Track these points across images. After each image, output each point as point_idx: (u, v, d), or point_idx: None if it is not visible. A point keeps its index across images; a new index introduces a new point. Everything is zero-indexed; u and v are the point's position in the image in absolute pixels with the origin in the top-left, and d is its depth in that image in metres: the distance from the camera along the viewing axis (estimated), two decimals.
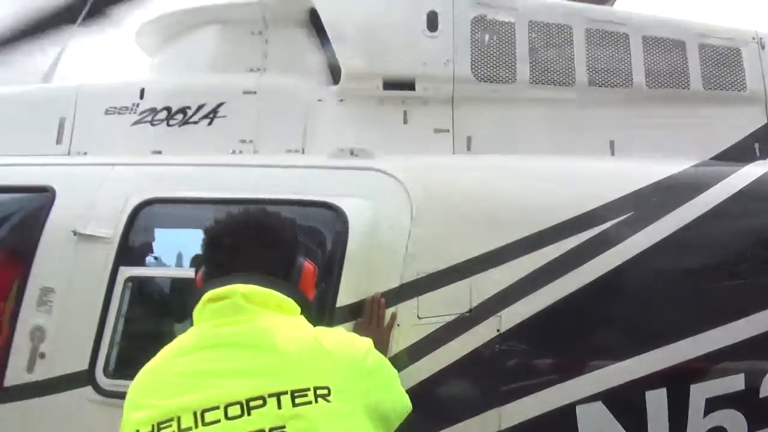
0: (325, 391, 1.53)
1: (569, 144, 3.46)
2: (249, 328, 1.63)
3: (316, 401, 1.51)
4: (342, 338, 1.75)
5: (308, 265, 1.98)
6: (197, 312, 1.74)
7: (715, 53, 3.70)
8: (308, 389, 1.52)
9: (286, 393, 1.51)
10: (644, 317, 2.99)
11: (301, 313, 1.79)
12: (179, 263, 3.09)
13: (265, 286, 1.72)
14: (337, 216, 2.96)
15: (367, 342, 1.78)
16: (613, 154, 3.51)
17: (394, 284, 2.88)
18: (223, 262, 1.81)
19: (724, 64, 3.69)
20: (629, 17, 3.72)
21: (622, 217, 3.13)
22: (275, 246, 1.86)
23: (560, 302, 2.94)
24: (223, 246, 1.84)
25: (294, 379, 1.53)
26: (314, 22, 3.62)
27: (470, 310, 2.89)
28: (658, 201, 3.19)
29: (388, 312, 2.81)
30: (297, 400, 1.51)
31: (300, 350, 1.59)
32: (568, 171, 3.32)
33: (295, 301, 1.77)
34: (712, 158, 3.50)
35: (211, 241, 1.90)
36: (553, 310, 2.92)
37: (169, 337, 2.98)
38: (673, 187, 3.25)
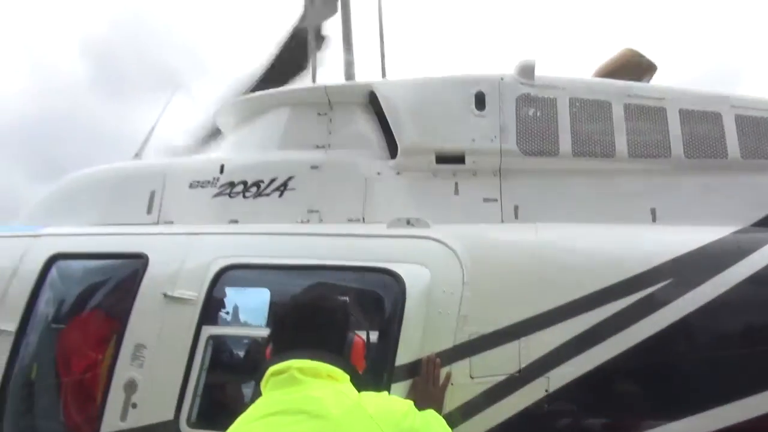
0: None
1: (612, 212, 3.68)
2: (303, 396, 1.99)
3: None
4: (383, 402, 2.08)
5: (358, 340, 2.37)
6: (263, 383, 2.13)
7: (752, 123, 3.89)
8: None
9: None
10: (688, 380, 3.12)
11: (351, 381, 2.13)
12: (255, 323, 3.45)
13: (318, 360, 2.09)
14: (395, 281, 3.25)
15: (407, 404, 2.11)
16: (654, 221, 3.70)
17: (448, 345, 3.13)
18: (287, 339, 2.23)
19: (760, 133, 3.87)
20: (666, 92, 3.97)
21: (665, 282, 3.29)
22: (329, 326, 2.26)
23: (606, 364, 3.11)
24: (287, 326, 2.27)
25: None
26: (373, 103, 4.04)
27: (519, 371, 3.10)
28: (700, 266, 3.34)
29: (443, 371, 3.05)
30: None
31: (345, 413, 1.93)
32: (612, 238, 3.52)
33: (345, 370, 2.12)
34: (752, 225, 3.64)
35: (277, 322, 2.35)
36: (598, 371, 3.09)
37: (243, 390, 3.37)
38: (715, 254, 3.40)
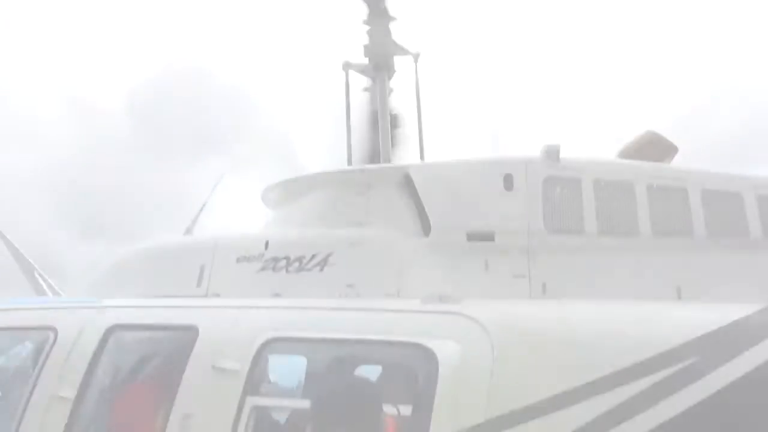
0: None
1: (637, 289, 3.81)
2: None
3: None
4: None
5: (389, 420, 2.54)
6: None
7: None
8: None
9: None
10: None
11: None
12: (296, 394, 3.64)
13: None
14: (428, 356, 3.40)
15: None
16: (680, 298, 3.81)
17: (480, 420, 3.24)
18: (322, 420, 2.52)
19: None
20: (688, 173, 4.16)
21: (693, 359, 3.36)
22: (361, 408, 2.56)
23: None
24: (322, 409, 2.60)
25: None
26: (408, 185, 4.32)
27: None
28: (727, 344, 3.41)
29: None
30: None
31: None
32: (639, 314, 3.63)
33: None
34: None
35: (313, 405, 2.69)
36: None
37: None
38: (742, 331, 3.47)
